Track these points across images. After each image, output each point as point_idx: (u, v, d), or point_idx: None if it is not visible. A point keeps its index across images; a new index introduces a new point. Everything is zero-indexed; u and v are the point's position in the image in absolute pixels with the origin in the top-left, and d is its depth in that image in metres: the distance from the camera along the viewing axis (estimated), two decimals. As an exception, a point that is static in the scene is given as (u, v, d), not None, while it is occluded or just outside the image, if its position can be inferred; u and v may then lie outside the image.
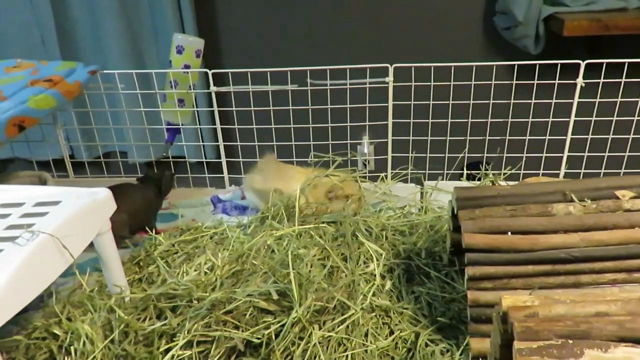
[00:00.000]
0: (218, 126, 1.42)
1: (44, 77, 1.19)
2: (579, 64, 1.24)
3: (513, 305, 0.63)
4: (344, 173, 1.22)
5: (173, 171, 1.33)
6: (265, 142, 1.39)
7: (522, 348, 0.56)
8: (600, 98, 1.27)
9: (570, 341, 0.55)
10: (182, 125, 1.44)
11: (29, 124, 1.09)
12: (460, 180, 1.31)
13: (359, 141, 1.46)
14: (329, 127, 1.37)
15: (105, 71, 1.37)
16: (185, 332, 0.76)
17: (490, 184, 1.08)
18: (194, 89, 1.41)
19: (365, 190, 1.25)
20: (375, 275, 0.93)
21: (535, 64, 1.25)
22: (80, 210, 0.79)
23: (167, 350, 0.78)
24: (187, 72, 1.37)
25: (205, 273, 0.93)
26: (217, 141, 1.43)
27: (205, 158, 1.50)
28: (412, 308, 0.89)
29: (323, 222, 1.07)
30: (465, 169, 1.29)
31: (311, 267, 0.89)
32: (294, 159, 1.40)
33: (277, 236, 0.99)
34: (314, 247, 0.96)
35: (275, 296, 0.77)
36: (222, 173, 1.46)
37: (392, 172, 1.35)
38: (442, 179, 1.31)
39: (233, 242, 1.02)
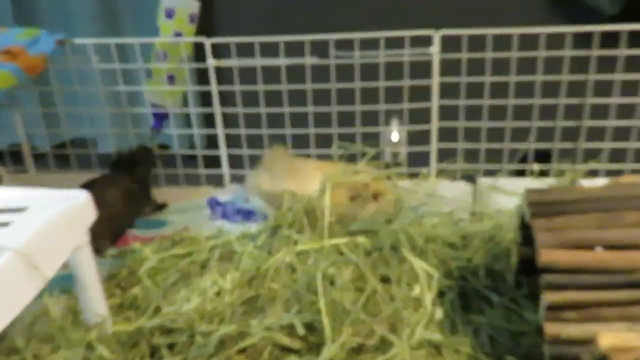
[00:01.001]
0: (217, 109, 1.41)
1: (1, 47, 1.17)
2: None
3: (614, 346, 0.61)
4: (374, 168, 1.22)
5: (151, 147, 1.32)
6: (274, 129, 1.39)
7: (630, 403, 0.54)
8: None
9: (696, 395, 0.53)
10: (171, 108, 1.44)
11: (-19, 106, 1.08)
12: (523, 178, 1.31)
13: (388, 128, 1.43)
14: (357, 112, 1.35)
15: (76, 40, 1.35)
16: (188, 377, 0.74)
17: (569, 183, 1.05)
18: (186, 63, 1.40)
19: (403, 190, 1.25)
20: (423, 302, 0.92)
21: (619, 31, 1.21)
22: (54, 220, 0.77)
23: (164, 399, 0.75)
24: (180, 42, 1.35)
25: (211, 300, 0.92)
26: (212, 128, 1.42)
27: (197, 149, 1.48)
28: (471, 343, 0.88)
29: (354, 231, 1.07)
30: (530, 162, 1.29)
31: (342, 291, 0.89)
32: (312, 150, 1.39)
33: (298, 252, 0.98)
34: (347, 266, 0.95)
35: (301, 330, 0.75)
36: (219, 168, 1.46)
37: (436, 167, 1.35)
38: (501, 175, 1.31)
39: (244, 258, 1.01)
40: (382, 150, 1.35)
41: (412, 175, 1.30)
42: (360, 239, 1.05)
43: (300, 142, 1.40)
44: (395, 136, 1.39)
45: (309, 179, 1.22)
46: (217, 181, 1.49)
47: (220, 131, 1.43)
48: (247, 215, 1.33)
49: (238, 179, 1.47)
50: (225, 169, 1.46)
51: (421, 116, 1.35)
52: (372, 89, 1.33)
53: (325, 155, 1.33)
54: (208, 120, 1.58)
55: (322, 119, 1.38)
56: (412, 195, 1.23)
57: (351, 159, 1.25)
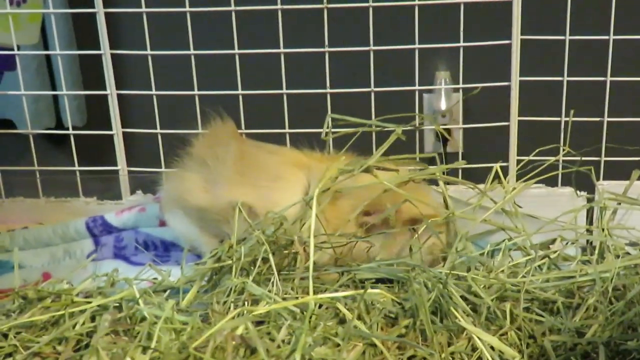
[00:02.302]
0: (106, 51, 1.39)
1: None
2: None
3: None
4: (403, 164, 1.22)
5: None
6: (213, 89, 1.38)
7: None
8: None
9: None
10: (18, 50, 1.42)
11: None
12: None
13: (430, 87, 1.47)
14: (370, 54, 1.33)
15: None
16: None
17: None
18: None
19: (456, 204, 1.24)
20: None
21: None
22: None
23: None
24: None
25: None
26: (97, 88, 1.42)
27: (68, 127, 1.47)
28: None
29: (364, 281, 1.07)
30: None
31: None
32: (286, 128, 1.37)
33: (259, 316, 0.96)
34: (351, 344, 0.94)
35: None
36: (110, 164, 1.44)
37: (519, 162, 1.33)
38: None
39: (157, 331, 0.98)
40: (420, 129, 1.36)
41: (475, 178, 1.29)
42: (377, 295, 1.05)
43: (262, 115, 1.38)
44: (443, 103, 1.38)
45: (280, 183, 1.23)
46: (106, 188, 1.47)
47: (112, 93, 1.40)
48: (164, 250, 1.32)
49: (146, 185, 1.45)
50: (122, 164, 1.44)
51: (492, 67, 1.35)
52: (400, 11, 1.34)
53: (309, 139, 1.30)
54: (89, 75, 1.56)
55: (303, 71, 1.37)
56: (475, 215, 1.22)
57: (360, 146, 1.24)
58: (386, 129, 1.19)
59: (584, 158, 1.29)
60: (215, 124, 1.30)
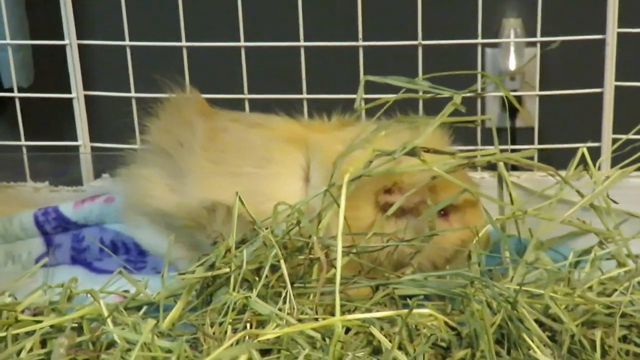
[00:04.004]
0: None
1: None
2: None
3: None
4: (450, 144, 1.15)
5: None
6: (205, 42, 1.32)
7: None
8: None
9: None
10: None
11: None
12: None
13: (495, 40, 1.38)
14: None
15: None
16: None
17: None
18: None
19: (529, 197, 1.19)
20: None
21: None
22: None
23: None
24: None
25: None
26: (49, 37, 1.38)
27: (13, 89, 1.41)
28: None
29: (406, 298, 1.01)
30: None
31: None
32: (303, 96, 1.31)
33: (266, 342, 0.90)
34: None
35: None
36: (73, 139, 1.40)
37: (615, 141, 1.28)
38: None
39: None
40: (482, 96, 1.32)
41: (555, 161, 1.19)
42: (424, 317, 0.98)
43: (272, 76, 1.34)
44: (513, 61, 1.34)
45: (269, 167, 1.15)
46: (62, 170, 1.41)
47: (71, 43, 1.33)
48: (137, 254, 1.27)
49: (115, 166, 1.36)
50: (83, 139, 1.37)
51: (581, 14, 1.32)
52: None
53: (334, 106, 1.22)
54: (38, 21, 1.50)
55: (328, 18, 1.33)
56: (553, 212, 1.14)
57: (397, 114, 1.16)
58: (438, 95, 1.10)
59: None
60: (176, 97, 1.23)
